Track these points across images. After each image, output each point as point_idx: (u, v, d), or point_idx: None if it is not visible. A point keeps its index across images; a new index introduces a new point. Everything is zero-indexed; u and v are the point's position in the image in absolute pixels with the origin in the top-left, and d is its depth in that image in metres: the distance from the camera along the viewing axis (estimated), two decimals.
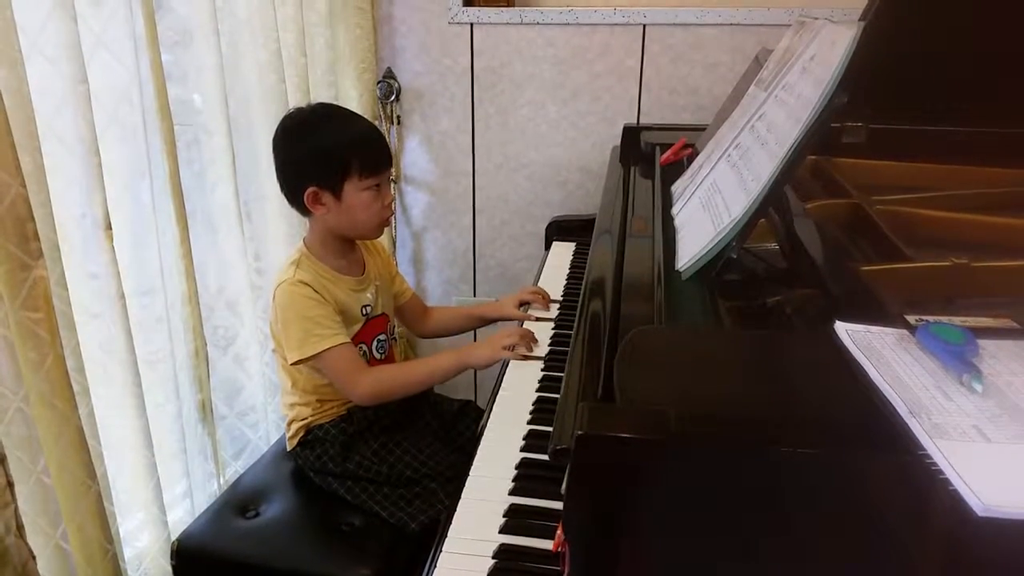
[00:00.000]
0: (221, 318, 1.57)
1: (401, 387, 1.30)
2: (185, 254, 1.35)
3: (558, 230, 1.85)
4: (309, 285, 1.26)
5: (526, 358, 1.26)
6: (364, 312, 1.36)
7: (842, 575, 0.55)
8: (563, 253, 1.76)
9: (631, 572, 0.58)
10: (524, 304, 1.49)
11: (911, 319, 0.66)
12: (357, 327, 1.34)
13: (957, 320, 0.66)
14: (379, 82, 2.05)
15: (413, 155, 2.15)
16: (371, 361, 1.37)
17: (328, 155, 1.24)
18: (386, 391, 1.29)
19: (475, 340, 1.92)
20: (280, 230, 1.67)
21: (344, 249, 1.35)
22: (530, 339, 1.29)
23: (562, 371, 1.04)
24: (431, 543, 0.89)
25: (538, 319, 1.42)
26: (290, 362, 1.26)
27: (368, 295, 1.37)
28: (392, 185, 2.07)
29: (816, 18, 1.01)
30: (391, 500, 1.25)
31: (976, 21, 1.05)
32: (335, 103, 1.65)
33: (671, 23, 1.91)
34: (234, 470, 1.62)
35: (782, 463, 0.54)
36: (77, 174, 1.11)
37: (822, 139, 0.82)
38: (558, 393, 0.97)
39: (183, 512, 1.45)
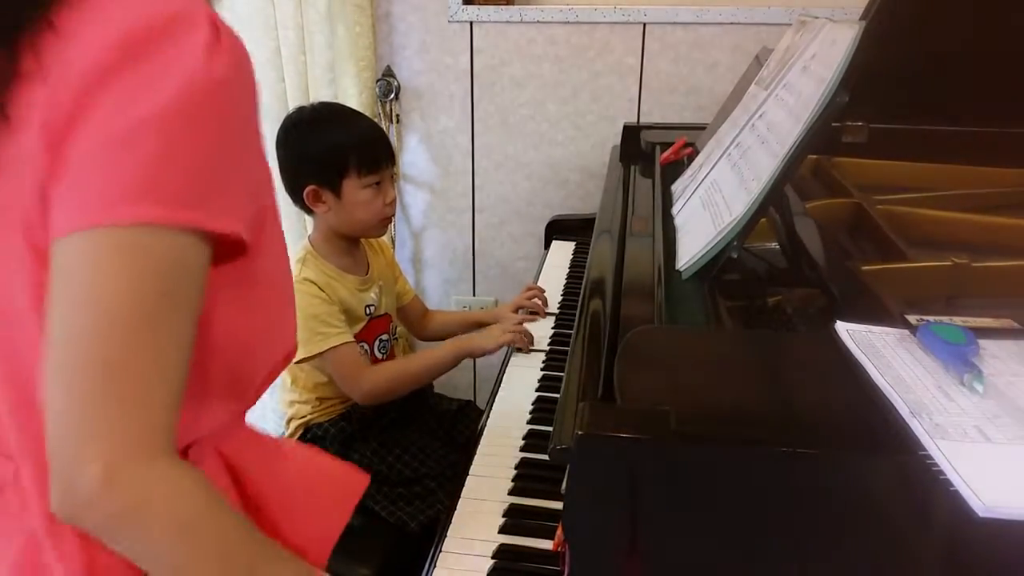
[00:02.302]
0: None
1: (404, 382, 1.31)
2: None
3: (558, 229, 1.84)
4: (315, 283, 1.26)
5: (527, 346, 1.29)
6: (368, 312, 1.36)
7: None
8: (563, 252, 1.75)
9: (631, 572, 0.58)
10: (521, 309, 1.49)
11: (912, 319, 0.66)
12: (359, 326, 1.34)
13: (958, 320, 0.66)
14: (378, 80, 2.04)
15: (412, 154, 2.14)
16: (373, 360, 1.37)
17: (326, 153, 1.25)
18: (389, 388, 1.29)
19: None
20: None
21: (348, 248, 1.36)
22: (528, 337, 1.31)
23: (562, 371, 1.04)
24: (431, 543, 0.89)
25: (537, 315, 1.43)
26: (294, 360, 1.26)
27: (372, 295, 1.37)
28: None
29: (817, 17, 1.01)
30: (390, 499, 1.25)
31: (976, 21, 1.05)
32: (336, 102, 1.65)
33: (671, 22, 1.91)
34: None
35: (782, 463, 0.54)
36: None
37: (823, 139, 0.82)
38: (558, 393, 0.96)
39: None
